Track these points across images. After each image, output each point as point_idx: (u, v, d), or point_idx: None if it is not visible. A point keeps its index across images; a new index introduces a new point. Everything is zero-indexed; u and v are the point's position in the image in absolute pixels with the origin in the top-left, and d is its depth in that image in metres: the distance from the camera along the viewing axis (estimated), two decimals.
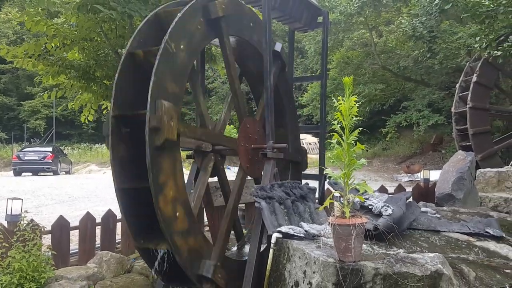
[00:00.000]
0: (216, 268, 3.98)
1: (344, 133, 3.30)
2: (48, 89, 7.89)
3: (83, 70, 7.13)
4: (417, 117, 21.00)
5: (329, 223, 3.23)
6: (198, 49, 4.32)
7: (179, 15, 3.98)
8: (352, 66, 22.15)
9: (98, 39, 7.18)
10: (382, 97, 23.64)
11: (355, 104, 3.30)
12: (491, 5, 7.77)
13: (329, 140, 3.37)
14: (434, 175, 9.41)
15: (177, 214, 3.73)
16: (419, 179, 12.08)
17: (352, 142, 3.28)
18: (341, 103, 3.32)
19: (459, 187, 6.73)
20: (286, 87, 5.74)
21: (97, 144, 33.60)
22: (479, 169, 7.64)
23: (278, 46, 5.44)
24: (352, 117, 3.30)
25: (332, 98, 3.55)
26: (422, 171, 8.75)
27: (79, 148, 33.72)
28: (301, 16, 6.01)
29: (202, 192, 4.49)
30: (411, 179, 18.24)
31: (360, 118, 3.52)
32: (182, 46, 3.91)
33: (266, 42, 4.74)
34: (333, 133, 3.32)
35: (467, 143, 11.93)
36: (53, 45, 6.79)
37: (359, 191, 4.00)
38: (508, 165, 8.93)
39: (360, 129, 3.30)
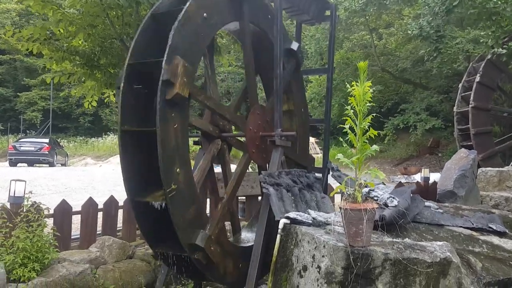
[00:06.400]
0: (210, 239, 3.96)
1: (357, 118, 3.30)
2: (50, 76, 7.81)
3: (87, 57, 7.07)
4: (414, 120, 21.10)
5: (340, 207, 3.22)
6: (218, 24, 4.36)
7: None
8: (351, 67, 22.20)
9: (103, 26, 7.14)
10: (380, 98, 23.73)
11: (369, 90, 3.31)
12: (499, 1, 7.79)
13: (341, 125, 3.36)
14: (431, 177, 9.42)
15: (177, 170, 3.77)
16: (416, 181, 12.10)
17: (366, 127, 3.28)
18: (354, 88, 3.32)
19: (461, 185, 6.74)
20: (299, 86, 5.73)
21: (93, 138, 33.47)
22: (481, 168, 7.66)
23: (294, 45, 5.48)
24: (366, 103, 3.30)
25: (346, 84, 3.55)
26: (422, 169, 8.77)
27: (75, 141, 33.55)
28: (309, 9, 6.02)
29: (206, 166, 4.50)
30: (407, 180, 18.27)
31: (373, 104, 3.51)
32: (205, 15, 4.00)
33: (277, 30, 4.74)
34: (346, 118, 3.31)
35: (469, 143, 11.97)
36: (60, 30, 6.74)
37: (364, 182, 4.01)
38: (508, 165, 8.98)
39: (374, 114, 3.30)
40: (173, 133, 3.74)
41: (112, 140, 31.60)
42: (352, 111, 3.33)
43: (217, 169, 5.58)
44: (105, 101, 8.72)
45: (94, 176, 16.92)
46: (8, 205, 4.82)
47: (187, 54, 3.87)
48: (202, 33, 4.07)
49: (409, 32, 14.26)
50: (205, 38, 4.14)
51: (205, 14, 4.05)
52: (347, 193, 3.35)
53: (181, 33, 3.82)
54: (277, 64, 4.68)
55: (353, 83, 3.35)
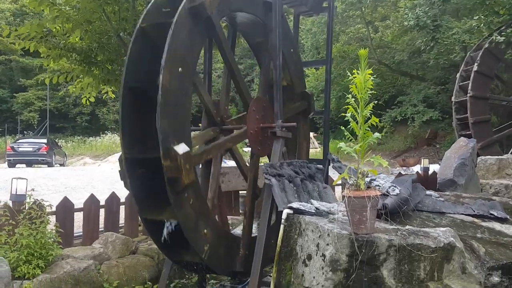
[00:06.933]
0: (246, 258, 4.21)
1: (358, 106, 3.31)
2: (47, 76, 7.78)
3: (85, 53, 7.05)
4: (412, 112, 21.12)
5: (344, 195, 3.23)
6: (195, 60, 4.07)
7: (168, 37, 3.60)
8: (348, 60, 22.20)
9: (100, 22, 7.12)
10: (378, 91, 23.74)
11: (370, 77, 3.31)
12: None
13: (343, 114, 3.37)
14: (430, 168, 9.46)
15: (204, 231, 3.87)
16: (414, 172, 12.17)
17: (367, 115, 3.28)
18: (356, 76, 3.33)
19: (461, 173, 6.77)
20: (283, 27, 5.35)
21: (91, 137, 33.43)
22: (480, 157, 7.70)
23: None
24: (367, 90, 3.30)
25: (347, 72, 3.55)
26: (422, 160, 8.81)
27: (72, 141, 33.52)
28: (307, 0, 6.01)
29: (218, 171, 4.55)
30: (406, 172, 18.33)
31: (374, 92, 3.52)
32: (180, 70, 3.67)
33: (276, 22, 4.73)
34: (348, 106, 3.32)
35: (467, 132, 12.01)
36: (56, 27, 6.72)
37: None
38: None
39: (376, 102, 3.30)
40: (191, 209, 3.72)
41: (110, 139, 31.54)
42: (353, 99, 3.33)
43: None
44: (103, 97, 8.70)
45: (93, 175, 16.90)
46: (10, 203, 4.82)
47: (178, 128, 3.66)
48: (184, 91, 3.75)
49: (406, 23, 14.23)
50: (188, 91, 3.84)
51: (180, 69, 3.65)
52: (349, 182, 3.37)
53: (165, 114, 3.51)
54: (277, 55, 4.68)
55: (354, 71, 3.35)
